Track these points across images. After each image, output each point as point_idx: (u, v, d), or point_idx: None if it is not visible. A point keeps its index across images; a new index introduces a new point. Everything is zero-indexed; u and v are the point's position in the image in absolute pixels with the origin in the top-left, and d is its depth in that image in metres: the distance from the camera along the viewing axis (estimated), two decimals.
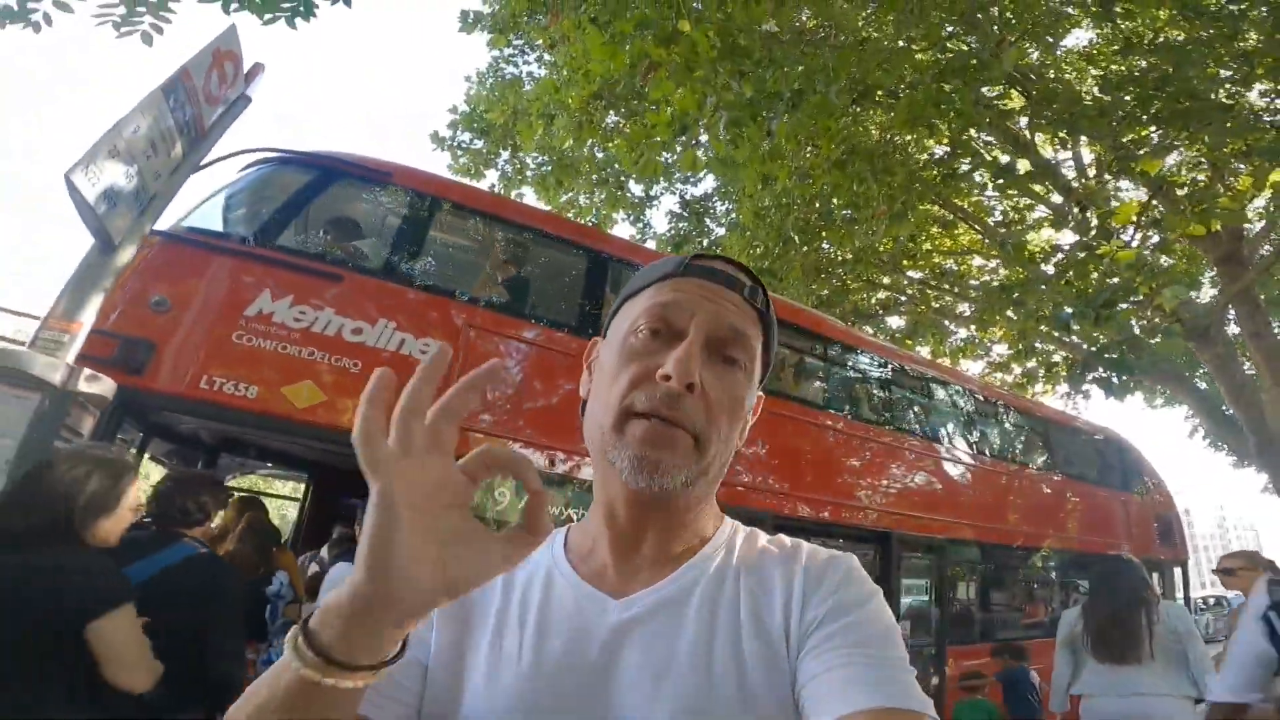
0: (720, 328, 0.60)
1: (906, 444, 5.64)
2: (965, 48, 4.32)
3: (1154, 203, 4.71)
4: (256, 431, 3.38)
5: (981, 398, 6.92)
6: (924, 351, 10.24)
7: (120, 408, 2.57)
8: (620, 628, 0.56)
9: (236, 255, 3.40)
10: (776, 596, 0.58)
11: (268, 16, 3.45)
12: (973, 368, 10.11)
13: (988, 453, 6.55)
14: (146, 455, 3.92)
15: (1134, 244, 4.55)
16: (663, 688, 0.52)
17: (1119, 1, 4.94)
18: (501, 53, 8.93)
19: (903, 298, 10.37)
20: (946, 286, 10.23)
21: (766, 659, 0.54)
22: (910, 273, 10.16)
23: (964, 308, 10.57)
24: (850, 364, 5.61)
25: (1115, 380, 3.96)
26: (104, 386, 2.14)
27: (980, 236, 7.92)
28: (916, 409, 6.08)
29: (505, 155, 9.52)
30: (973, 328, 10.26)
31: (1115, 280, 4.53)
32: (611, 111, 5.32)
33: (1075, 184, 5.66)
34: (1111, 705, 2.72)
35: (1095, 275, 4.47)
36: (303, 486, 5.76)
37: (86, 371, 2.06)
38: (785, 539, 0.65)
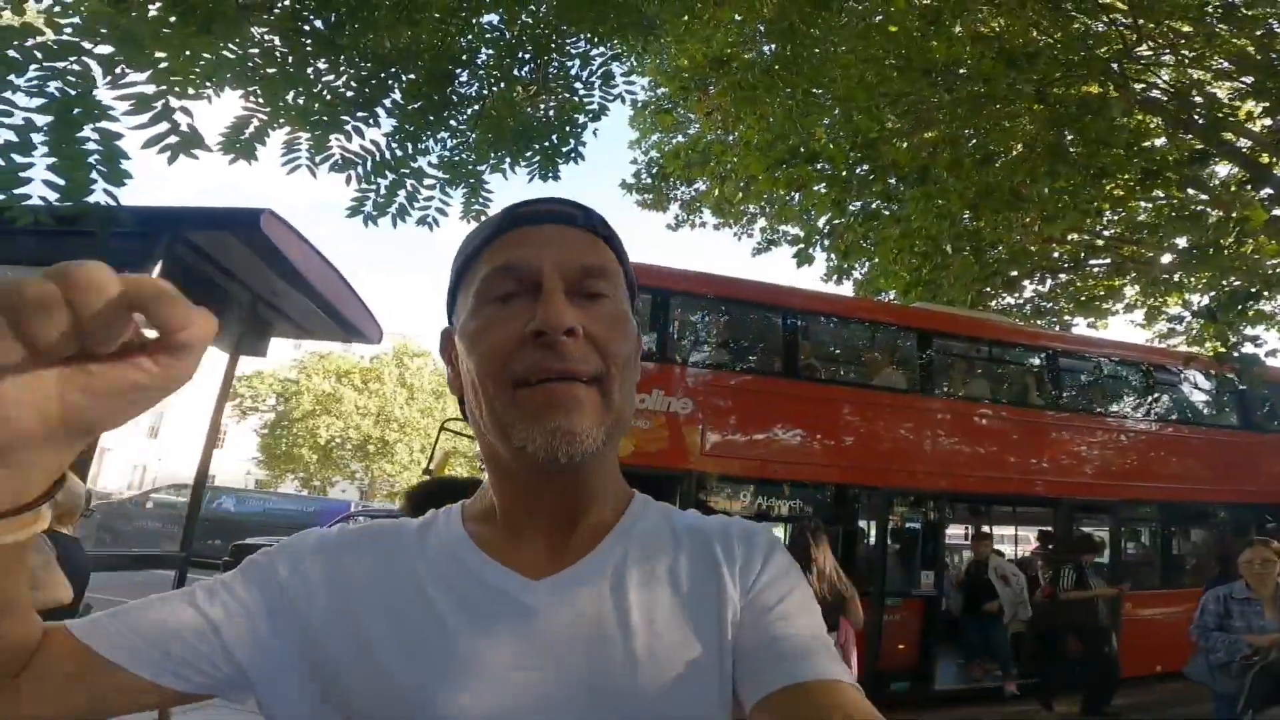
0: (573, 266, 0.55)
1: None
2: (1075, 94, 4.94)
3: None
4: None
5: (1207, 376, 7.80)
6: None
7: None
8: (547, 611, 0.53)
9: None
10: (713, 571, 0.57)
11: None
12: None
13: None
14: None
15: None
16: (599, 669, 0.51)
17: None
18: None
19: (1098, 242, 10.13)
20: (1144, 235, 9.82)
21: (711, 636, 0.54)
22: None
23: (1167, 257, 10.03)
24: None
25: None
26: None
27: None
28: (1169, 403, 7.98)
29: (682, 188, 11.57)
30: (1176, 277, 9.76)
31: (1260, 272, 4.93)
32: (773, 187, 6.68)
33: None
34: None
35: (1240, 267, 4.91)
36: None
37: None
38: (695, 513, 0.64)
